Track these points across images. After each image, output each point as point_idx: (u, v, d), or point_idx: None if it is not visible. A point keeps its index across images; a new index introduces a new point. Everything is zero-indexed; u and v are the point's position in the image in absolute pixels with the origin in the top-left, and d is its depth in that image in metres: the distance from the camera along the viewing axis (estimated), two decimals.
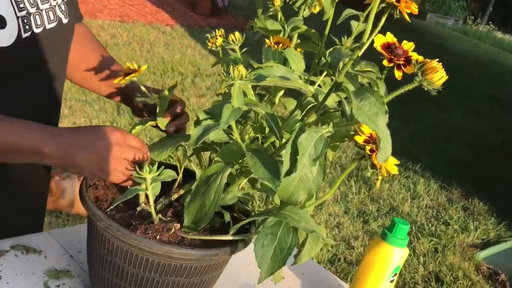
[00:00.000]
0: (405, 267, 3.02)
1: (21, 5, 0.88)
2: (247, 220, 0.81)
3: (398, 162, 0.76)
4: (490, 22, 18.19)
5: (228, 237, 0.78)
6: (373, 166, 0.75)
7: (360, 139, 0.74)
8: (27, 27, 0.89)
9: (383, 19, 0.68)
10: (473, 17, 17.64)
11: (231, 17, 8.01)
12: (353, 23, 0.80)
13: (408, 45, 0.69)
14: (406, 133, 5.34)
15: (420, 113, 6.04)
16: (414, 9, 0.66)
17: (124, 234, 0.73)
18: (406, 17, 0.68)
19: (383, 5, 0.67)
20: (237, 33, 0.84)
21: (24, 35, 0.88)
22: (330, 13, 0.79)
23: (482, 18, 18.12)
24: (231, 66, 0.67)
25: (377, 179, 3.08)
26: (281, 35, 0.86)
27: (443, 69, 0.66)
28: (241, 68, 0.67)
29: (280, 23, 0.86)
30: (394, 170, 0.74)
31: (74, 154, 0.79)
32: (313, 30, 0.80)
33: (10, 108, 0.93)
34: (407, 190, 4.02)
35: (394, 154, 0.70)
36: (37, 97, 0.99)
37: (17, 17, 0.87)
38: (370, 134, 0.75)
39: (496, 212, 4.00)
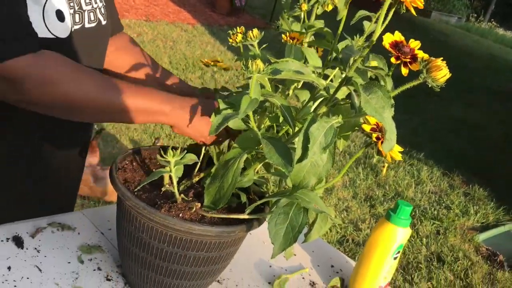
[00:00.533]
0: (409, 248, 3.02)
1: (71, 4, 0.92)
2: (262, 201, 0.82)
3: (402, 150, 0.76)
4: (492, 20, 17.87)
5: (244, 216, 0.79)
6: (379, 152, 0.75)
7: (367, 127, 0.75)
8: (77, 20, 0.93)
9: (391, 13, 0.67)
10: (475, 15, 17.35)
11: (248, 16, 7.99)
12: (365, 23, 0.80)
13: (414, 44, 0.69)
14: (411, 124, 5.30)
15: (424, 106, 5.98)
16: (420, 3, 0.66)
17: (150, 212, 0.74)
18: (413, 11, 0.67)
19: (390, 0, 0.66)
20: (255, 30, 0.84)
21: (72, 29, 0.92)
22: (343, 13, 0.79)
23: (484, 15, 17.80)
24: (250, 61, 0.67)
25: (383, 166, 3.10)
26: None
27: (447, 67, 0.66)
28: (259, 62, 0.67)
29: (303, 25, 0.87)
30: (398, 157, 0.75)
31: (184, 116, 0.89)
32: (328, 29, 0.81)
33: None
34: (411, 177, 4.00)
35: (399, 143, 0.70)
36: None
37: (69, 14, 0.91)
38: (377, 123, 0.75)
39: (495, 197, 3.97)
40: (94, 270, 0.89)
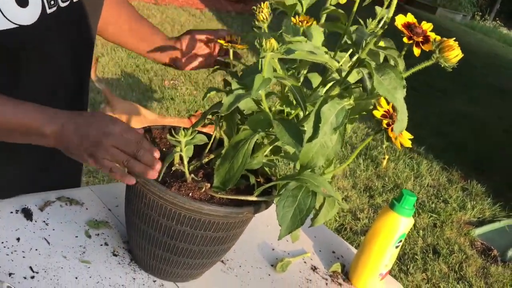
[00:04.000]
0: (406, 239, 3.02)
1: None
2: (270, 184, 0.82)
3: (412, 137, 0.75)
4: (497, 19, 17.74)
5: (253, 198, 0.79)
6: (388, 139, 0.74)
7: (378, 113, 0.74)
8: (52, 2, 0.85)
9: None
10: (480, 13, 17.21)
11: (256, 3, 7.92)
12: (377, 8, 0.79)
13: (427, 26, 0.68)
14: (413, 117, 5.20)
15: (426, 100, 5.95)
16: None
17: (161, 190, 0.74)
18: None
19: None
20: (265, 10, 0.81)
21: (49, 11, 0.84)
22: None
23: (489, 14, 17.66)
24: (264, 39, 0.66)
25: (384, 158, 3.09)
26: (300, 10, 0.85)
27: (459, 47, 0.65)
28: (273, 41, 0.66)
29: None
30: (408, 143, 0.74)
31: (68, 135, 0.76)
32: (341, 11, 0.79)
33: (44, 80, 0.90)
34: (411, 170, 3.99)
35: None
36: (67, 67, 0.96)
37: None
38: (388, 109, 0.75)
39: (492, 193, 3.96)
40: (101, 245, 0.89)
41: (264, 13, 0.79)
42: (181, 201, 0.73)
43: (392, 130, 0.75)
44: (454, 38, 0.65)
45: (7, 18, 0.77)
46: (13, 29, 0.78)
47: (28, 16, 0.80)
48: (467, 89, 6.96)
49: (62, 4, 0.87)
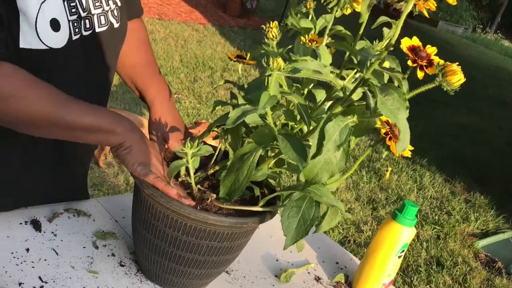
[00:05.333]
0: (409, 251, 3.02)
1: (73, 10, 0.87)
2: (274, 194, 0.83)
3: (412, 148, 0.77)
4: (498, 31, 17.82)
5: (257, 208, 0.81)
6: (387, 148, 0.76)
7: (377, 123, 0.76)
8: (76, 30, 0.89)
9: (403, 16, 0.68)
10: (482, 26, 17.30)
11: (258, 18, 7.99)
12: (385, 29, 0.81)
13: (431, 50, 0.71)
14: (415, 130, 5.29)
15: (428, 112, 5.98)
16: (432, 5, 0.68)
17: (167, 201, 0.75)
18: (425, 13, 0.69)
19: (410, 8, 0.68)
20: (275, 30, 0.84)
21: (74, 38, 0.88)
22: (365, 17, 0.79)
23: (490, 27, 17.74)
24: (271, 58, 0.68)
25: (387, 170, 3.10)
26: (312, 32, 0.87)
27: (462, 72, 0.67)
28: (280, 60, 0.68)
29: (311, 22, 0.88)
30: (407, 153, 0.76)
31: (135, 139, 0.85)
32: (348, 32, 0.82)
33: None
34: (414, 182, 4.00)
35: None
36: (84, 96, 0.96)
37: (69, 21, 0.87)
38: (387, 120, 0.76)
39: (495, 205, 3.96)
40: (108, 255, 0.90)
41: (273, 32, 0.81)
42: (187, 212, 0.75)
43: (390, 139, 0.77)
44: (458, 63, 0.67)
45: (41, 40, 0.83)
46: (44, 50, 0.84)
47: (59, 40, 0.86)
48: (468, 101, 6.98)
49: (85, 33, 0.91)
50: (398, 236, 1.03)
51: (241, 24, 7.56)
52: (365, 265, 1.07)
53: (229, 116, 0.73)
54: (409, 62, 0.68)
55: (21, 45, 0.81)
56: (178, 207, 0.75)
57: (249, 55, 0.89)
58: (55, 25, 0.84)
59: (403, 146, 0.68)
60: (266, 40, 0.83)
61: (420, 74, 0.68)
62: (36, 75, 0.84)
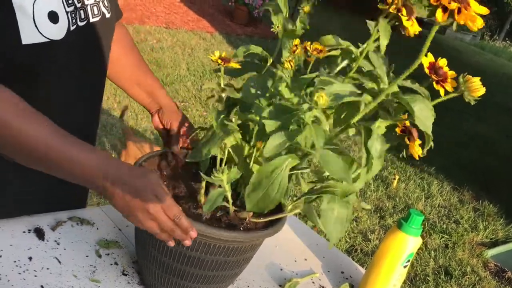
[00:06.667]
0: (417, 260, 2.99)
1: (70, 1, 0.90)
2: (300, 197, 0.83)
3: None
4: (507, 39, 17.73)
5: (288, 214, 0.83)
6: (407, 150, 0.79)
7: (397, 129, 0.80)
8: (73, 21, 0.90)
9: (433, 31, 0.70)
10: (490, 33, 17.23)
11: (265, 27, 8.01)
12: (370, 23, 0.81)
13: (442, 62, 0.75)
14: (422, 138, 5.26)
15: (435, 120, 5.95)
16: (416, 28, 0.70)
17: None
18: (410, 31, 0.70)
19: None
20: (292, 63, 0.81)
21: (71, 28, 0.90)
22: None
23: (499, 34, 17.67)
24: (315, 94, 0.68)
25: (394, 179, 3.06)
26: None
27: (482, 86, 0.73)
28: (325, 95, 0.68)
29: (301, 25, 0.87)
30: (420, 152, 0.80)
31: (113, 190, 0.79)
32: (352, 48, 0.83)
33: (60, 98, 0.95)
34: (421, 190, 3.97)
35: (411, 156, 0.79)
36: (82, 86, 1.00)
37: (66, 12, 0.88)
38: (404, 124, 0.79)
39: (505, 214, 3.92)
40: (111, 264, 0.90)
41: (290, 64, 0.81)
42: (201, 230, 0.75)
43: (409, 140, 0.78)
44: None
45: (40, 33, 0.84)
46: (45, 44, 0.85)
47: (58, 31, 0.87)
48: (475, 108, 6.93)
49: (80, 24, 0.93)
50: (404, 246, 1.02)
51: (248, 32, 7.59)
52: (370, 274, 1.06)
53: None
54: (435, 85, 0.73)
55: (24, 42, 0.82)
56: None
57: (226, 55, 0.83)
58: (53, 17, 0.86)
59: (427, 146, 0.77)
60: (280, 69, 0.82)
61: (442, 91, 0.73)
62: (38, 71, 0.86)
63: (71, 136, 0.82)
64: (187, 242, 0.76)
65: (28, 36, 0.82)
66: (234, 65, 0.82)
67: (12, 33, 0.81)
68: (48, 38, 0.85)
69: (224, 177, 0.77)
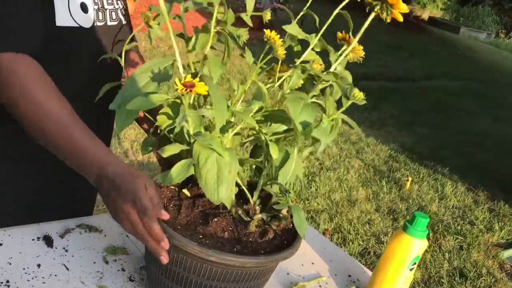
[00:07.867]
0: (431, 262, 2.97)
1: (96, 0, 0.99)
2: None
3: (407, 11, 0.77)
4: None
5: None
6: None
7: None
8: (96, 17, 0.99)
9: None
10: (505, 31, 17.02)
11: (277, 31, 8.03)
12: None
13: None
14: (436, 138, 5.23)
15: (449, 120, 5.90)
16: (403, 8, 0.69)
17: (185, 244, 0.74)
18: (399, 17, 0.69)
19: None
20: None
21: (95, 24, 0.98)
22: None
23: None
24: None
25: (407, 180, 3.05)
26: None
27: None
28: None
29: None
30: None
31: (105, 187, 0.80)
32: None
33: (75, 86, 0.98)
34: (435, 191, 3.94)
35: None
36: (97, 81, 1.00)
37: (93, 9, 0.98)
38: None
39: None
40: (118, 270, 0.92)
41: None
42: (213, 256, 0.73)
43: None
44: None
45: (73, 18, 0.94)
46: (75, 28, 0.94)
47: (87, 20, 0.97)
48: (490, 108, 6.86)
49: (98, 24, 1.00)
50: (409, 248, 1.01)
51: (259, 36, 7.60)
52: (376, 278, 1.06)
53: None
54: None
55: (57, 23, 0.90)
56: (203, 252, 0.73)
57: (189, 78, 0.76)
58: (83, 7, 0.96)
59: None
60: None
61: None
62: (69, 52, 0.95)
63: (82, 122, 0.87)
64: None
65: (62, 19, 0.91)
66: (201, 91, 0.75)
67: (49, 13, 0.89)
68: (78, 24, 0.94)
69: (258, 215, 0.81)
